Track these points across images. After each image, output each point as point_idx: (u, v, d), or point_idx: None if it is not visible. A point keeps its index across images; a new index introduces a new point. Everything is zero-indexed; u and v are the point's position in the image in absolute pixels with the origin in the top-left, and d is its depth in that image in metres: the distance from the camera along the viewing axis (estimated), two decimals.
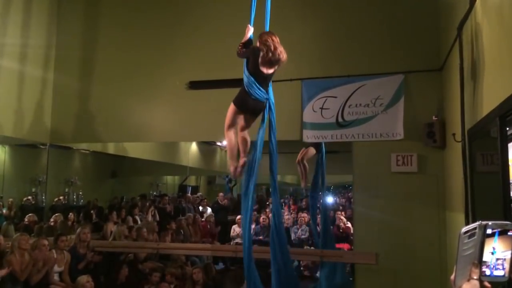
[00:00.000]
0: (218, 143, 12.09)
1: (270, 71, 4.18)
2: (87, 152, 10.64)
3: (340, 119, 6.31)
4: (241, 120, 4.32)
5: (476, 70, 3.95)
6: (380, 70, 6.24)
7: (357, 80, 6.27)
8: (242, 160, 4.28)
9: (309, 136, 6.49)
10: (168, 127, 7.28)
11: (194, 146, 12.19)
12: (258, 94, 4.16)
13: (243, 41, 4.36)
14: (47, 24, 7.61)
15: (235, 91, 6.69)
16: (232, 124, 4.29)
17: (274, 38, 4.13)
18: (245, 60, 4.25)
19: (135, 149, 10.11)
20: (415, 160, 6.01)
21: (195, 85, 7.01)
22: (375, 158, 6.26)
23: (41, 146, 7.99)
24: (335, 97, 6.37)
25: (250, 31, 4.42)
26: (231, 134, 4.29)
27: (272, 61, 4.09)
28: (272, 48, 4.05)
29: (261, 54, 4.07)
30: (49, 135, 7.57)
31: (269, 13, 4.53)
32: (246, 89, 4.16)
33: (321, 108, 6.41)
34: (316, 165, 7.23)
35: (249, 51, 4.22)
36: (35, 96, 7.34)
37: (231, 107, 4.27)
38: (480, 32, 3.77)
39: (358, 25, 6.50)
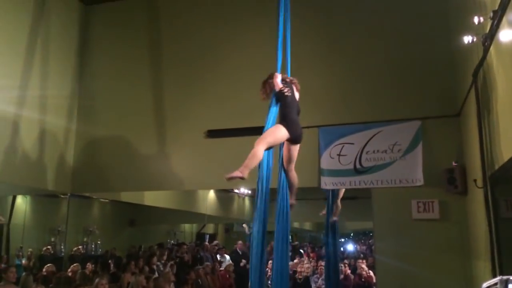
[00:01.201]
0: (236, 190, 12.07)
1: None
2: (106, 201, 10.71)
3: (358, 166, 6.29)
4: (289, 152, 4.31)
5: (494, 116, 3.94)
6: (396, 116, 6.26)
7: (374, 126, 6.30)
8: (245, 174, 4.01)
9: (327, 182, 6.45)
10: (186, 176, 7.32)
11: (211, 194, 12.18)
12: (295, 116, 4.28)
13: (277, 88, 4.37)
14: (69, 73, 7.89)
15: (252, 139, 6.81)
16: (271, 143, 4.10)
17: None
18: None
19: (153, 197, 10.14)
20: (436, 206, 5.90)
21: (212, 133, 7.12)
22: (395, 205, 6.16)
23: (62, 196, 8.08)
24: (352, 143, 6.37)
25: (278, 78, 4.44)
26: (262, 151, 4.01)
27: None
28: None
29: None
30: (70, 184, 7.68)
31: (289, 61, 4.70)
32: (292, 117, 4.23)
33: (339, 155, 6.41)
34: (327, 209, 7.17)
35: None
36: (58, 146, 7.51)
37: (280, 128, 4.12)
38: (496, 78, 3.80)
39: (374, 72, 6.59)
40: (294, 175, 4.44)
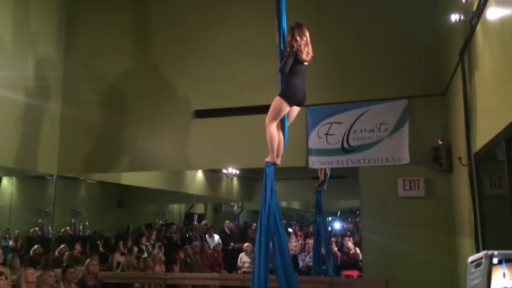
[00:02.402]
0: (224, 171, 12.08)
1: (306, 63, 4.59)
2: (93, 182, 10.65)
3: (345, 145, 6.33)
4: (287, 114, 4.62)
5: (480, 94, 3.98)
6: (384, 95, 6.29)
7: (361, 105, 6.32)
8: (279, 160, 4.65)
9: (314, 162, 6.49)
10: (174, 156, 7.31)
11: (200, 174, 12.18)
12: (301, 84, 4.54)
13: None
14: (54, 56, 7.76)
15: (240, 119, 6.83)
16: (277, 117, 4.54)
17: (304, 37, 4.52)
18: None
19: (141, 178, 10.10)
20: (422, 184, 5.99)
21: (200, 113, 7.08)
22: (381, 183, 6.24)
23: (48, 177, 8.02)
24: (340, 123, 6.40)
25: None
26: (274, 128, 4.54)
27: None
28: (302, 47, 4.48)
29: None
30: (56, 166, 7.62)
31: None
32: (293, 81, 4.48)
33: (326, 134, 6.43)
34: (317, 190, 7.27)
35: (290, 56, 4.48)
36: (43, 127, 7.41)
37: (278, 100, 4.49)
38: (482, 56, 3.82)
39: (361, 52, 6.58)
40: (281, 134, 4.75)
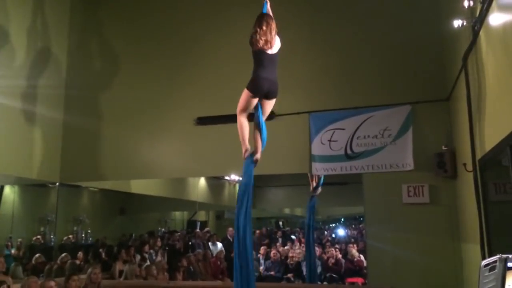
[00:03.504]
0: (227, 177, 12.06)
1: (272, 52, 4.28)
2: (96, 190, 10.64)
3: (349, 151, 6.31)
4: (261, 107, 4.37)
5: (483, 100, 3.96)
6: (387, 101, 6.27)
7: (364, 111, 6.30)
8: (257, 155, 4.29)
9: (318, 168, 6.47)
10: (177, 163, 7.29)
11: (202, 181, 12.16)
12: (267, 74, 4.23)
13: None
14: (57, 64, 7.77)
15: None
16: (245, 109, 4.32)
17: (264, 27, 4.24)
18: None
19: (143, 186, 10.09)
20: (426, 190, 5.95)
21: (202, 120, 7.07)
22: (386, 190, 6.20)
23: (50, 185, 8.01)
24: (343, 129, 6.38)
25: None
26: (242, 119, 4.34)
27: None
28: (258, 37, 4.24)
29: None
30: (58, 174, 7.61)
31: None
32: (257, 71, 4.25)
33: (330, 141, 6.41)
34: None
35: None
36: (46, 135, 7.42)
37: (245, 92, 4.30)
38: (485, 62, 3.80)
39: (364, 57, 6.58)
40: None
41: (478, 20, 3.81)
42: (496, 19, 3.41)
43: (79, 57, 7.97)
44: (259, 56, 4.27)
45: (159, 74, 7.52)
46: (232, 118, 6.78)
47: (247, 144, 4.28)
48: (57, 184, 7.74)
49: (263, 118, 4.39)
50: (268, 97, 4.35)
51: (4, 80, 6.70)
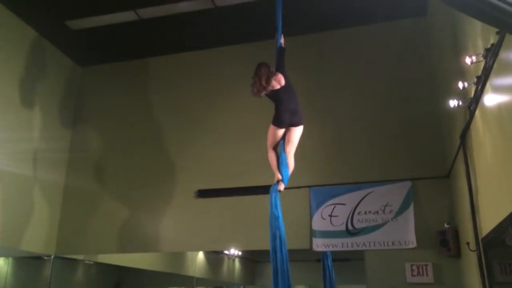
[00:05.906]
0: (226, 252, 11.78)
1: (275, 87, 4.66)
2: (91, 263, 10.36)
3: (350, 227, 6.22)
4: (285, 138, 4.74)
5: (483, 177, 3.97)
6: (387, 177, 6.29)
7: (364, 187, 6.30)
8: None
9: (319, 244, 6.34)
10: (176, 237, 7.16)
11: (200, 255, 11.85)
12: (286, 105, 4.63)
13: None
14: (61, 130, 7.90)
15: (243, 199, 6.78)
16: (273, 143, 4.76)
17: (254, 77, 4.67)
18: None
19: (139, 260, 9.81)
20: (430, 270, 5.78)
21: (203, 193, 7.05)
22: (388, 268, 6.03)
23: (45, 258, 7.81)
24: (344, 204, 6.34)
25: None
26: (271, 153, 4.77)
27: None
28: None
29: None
30: (55, 246, 7.46)
31: None
32: (277, 108, 4.68)
33: (330, 216, 6.35)
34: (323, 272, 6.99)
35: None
36: (43, 206, 7.36)
37: (270, 128, 4.71)
38: (483, 140, 3.86)
39: (364, 133, 6.69)
40: (290, 159, 4.75)
41: (473, 100, 3.92)
42: (490, 99, 3.50)
43: (84, 125, 8.11)
44: (271, 96, 4.71)
45: (160, 146, 7.61)
46: (233, 192, 6.84)
47: (278, 175, 4.67)
48: (52, 256, 7.55)
49: (290, 148, 4.72)
50: (294, 125, 4.70)
51: (5, 145, 6.68)
